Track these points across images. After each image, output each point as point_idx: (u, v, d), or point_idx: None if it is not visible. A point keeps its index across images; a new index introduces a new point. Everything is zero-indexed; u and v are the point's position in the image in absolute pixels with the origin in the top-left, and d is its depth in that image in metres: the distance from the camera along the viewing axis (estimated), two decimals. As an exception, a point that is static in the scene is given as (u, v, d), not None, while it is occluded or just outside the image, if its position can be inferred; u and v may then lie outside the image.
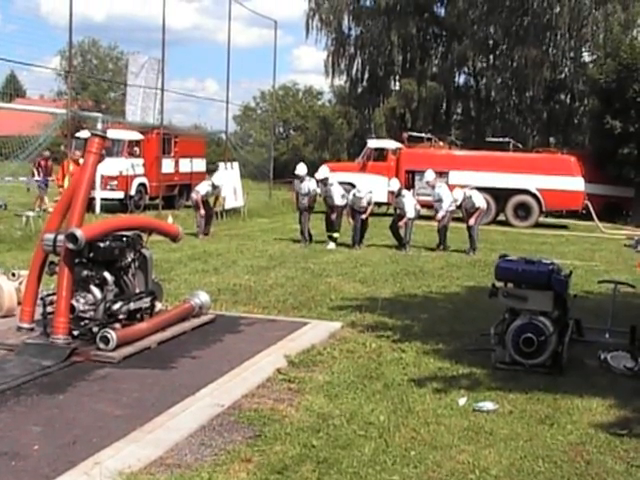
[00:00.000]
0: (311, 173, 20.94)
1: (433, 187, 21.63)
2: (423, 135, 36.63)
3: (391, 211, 22.45)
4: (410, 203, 20.46)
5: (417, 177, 30.99)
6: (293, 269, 16.23)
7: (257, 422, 6.82)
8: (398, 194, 20.64)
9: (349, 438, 6.55)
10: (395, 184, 20.99)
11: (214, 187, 22.60)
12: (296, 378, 8.16)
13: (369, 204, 20.78)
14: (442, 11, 52.90)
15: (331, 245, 20.18)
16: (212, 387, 7.67)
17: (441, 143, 36.14)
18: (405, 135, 35.95)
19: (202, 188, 22.20)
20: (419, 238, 21.88)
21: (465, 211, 20.94)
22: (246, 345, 9.42)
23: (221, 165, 28.72)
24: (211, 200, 22.89)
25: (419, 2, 48.92)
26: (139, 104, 31.16)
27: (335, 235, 20.57)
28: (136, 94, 31.47)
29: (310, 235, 21.16)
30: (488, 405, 7.50)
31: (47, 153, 28.90)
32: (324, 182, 20.91)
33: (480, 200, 20.87)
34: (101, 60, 72.59)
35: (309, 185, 20.99)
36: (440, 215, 20.82)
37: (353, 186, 25.39)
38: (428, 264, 17.76)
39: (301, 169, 21.30)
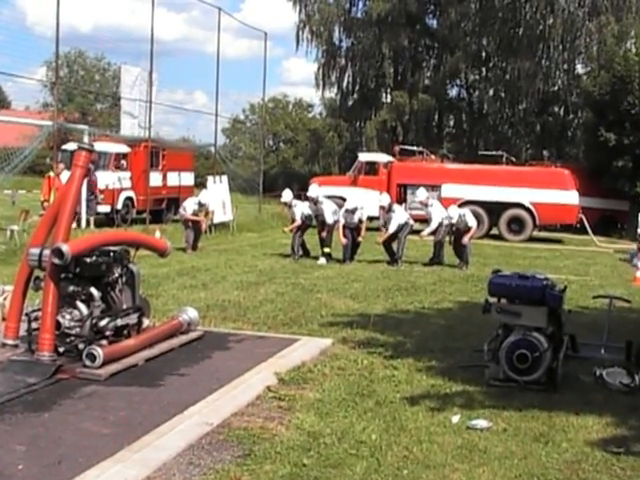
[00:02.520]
0: (302, 187, 20.79)
1: (426, 205, 21.58)
2: (415, 148, 36.70)
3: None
4: (400, 218, 20.41)
5: (409, 191, 31.06)
6: (283, 285, 16.21)
7: (247, 441, 6.80)
8: (389, 209, 20.62)
9: (340, 457, 6.53)
10: (385, 199, 20.97)
11: (200, 205, 22.63)
12: (286, 396, 8.14)
13: (361, 221, 20.64)
14: (434, 23, 53.18)
15: (322, 260, 20.16)
16: (201, 405, 7.64)
17: (433, 156, 36.20)
18: (397, 148, 36.08)
19: (189, 206, 22.16)
20: (411, 253, 21.86)
21: (457, 230, 20.73)
22: (235, 362, 9.39)
23: (210, 179, 28.72)
24: (200, 215, 22.85)
25: (411, 13, 49.01)
26: (136, 117, 31.11)
27: (327, 250, 20.56)
28: (132, 107, 31.43)
29: (306, 250, 21.28)
30: (482, 423, 7.49)
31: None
32: (314, 201, 20.97)
33: (472, 220, 20.76)
34: (88, 71, 72.58)
35: (297, 211, 21.19)
36: (424, 233, 21.15)
37: (344, 200, 25.42)
38: (420, 279, 17.77)
39: (286, 196, 21.57)
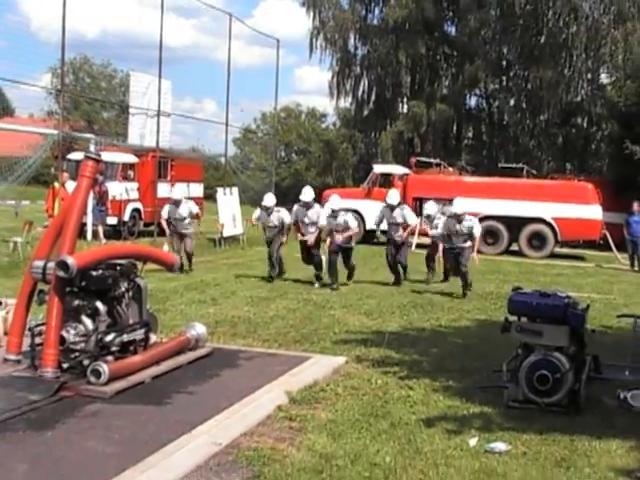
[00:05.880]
0: (315, 199, 20.02)
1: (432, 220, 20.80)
2: (432, 160, 36.66)
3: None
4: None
5: (425, 204, 31.05)
6: (295, 300, 16.22)
7: (256, 462, 6.80)
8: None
9: (353, 480, 6.52)
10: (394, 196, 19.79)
11: (176, 203, 20.37)
12: (298, 416, 8.13)
13: (347, 227, 18.82)
14: (453, 30, 53.17)
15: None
16: (209, 424, 7.64)
17: (451, 169, 36.19)
18: (413, 160, 36.09)
19: (164, 211, 21.05)
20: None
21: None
22: (245, 380, 9.41)
23: (220, 190, 28.75)
24: (183, 223, 20.37)
25: (429, 20, 49.03)
26: (147, 128, 31.08)
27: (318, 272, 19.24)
28: (142, 116, 31.38)
29: (282, 268, 19.90)
30: (500, 446, 7.47)
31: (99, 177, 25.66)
32: (334, 214, 18.92)
33: (478, 229, 18.72)
34: (94, 78, 72.80)
35: (279, 216, 19.52)
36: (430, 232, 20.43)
37: (358, 213, 25.22)
38: (437, 296, 17.73)
39: (269, 200, 19.68)
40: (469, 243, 18.47)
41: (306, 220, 19.19)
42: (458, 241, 18.42)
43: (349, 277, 19.31)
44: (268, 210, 19.60)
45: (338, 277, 18.60)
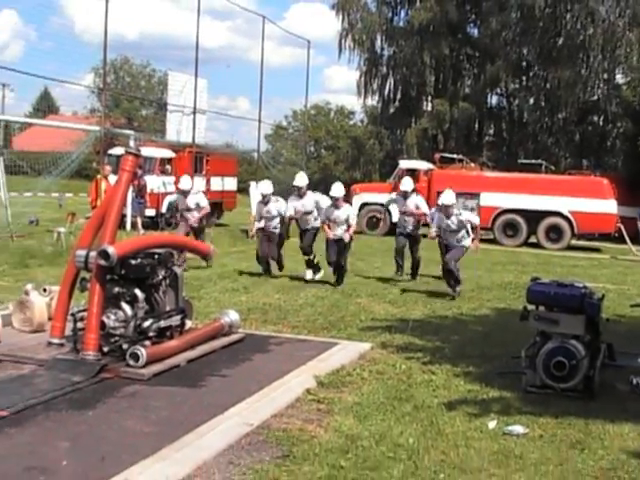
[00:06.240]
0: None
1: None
2: (455, 156, 36.62)
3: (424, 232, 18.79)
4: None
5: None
6: (323, 289, 16.22)
7: (286, 442, 6.80)
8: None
9: (378, 460, 6.51)
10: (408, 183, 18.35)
11: (184, 194, 19.25)
12: (325, 399, 8.13)
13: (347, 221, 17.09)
14: (475, 32, 52.93)
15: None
16: (241, 406, 7.66)
17: (473, 164, 36.09)
18: (437, 156, 36.06)
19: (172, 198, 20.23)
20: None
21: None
22: (275, 365, 9.43)
23: (252, 184, 28.80)
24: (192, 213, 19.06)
25: (452, 22, 48.82)
26: (183, 124, 31.15)
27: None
28: (179, 114, 31.43)
29: (281, 264, 18.34)
30: (518, 429, 7.44)
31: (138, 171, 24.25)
32: (336, 203, 17.13)
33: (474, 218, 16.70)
34: (134, 77, 73.19)
35: (277, 207, 18.05)
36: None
37: (383, 206, 25.06)
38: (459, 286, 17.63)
39: (267, 188, 18.33)
40: (464, 242, 16.21)
41: (301, 209, 17.62)
42: (450, 238, 16.12)
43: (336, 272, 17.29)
44: (265, 198, 18.13)
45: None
